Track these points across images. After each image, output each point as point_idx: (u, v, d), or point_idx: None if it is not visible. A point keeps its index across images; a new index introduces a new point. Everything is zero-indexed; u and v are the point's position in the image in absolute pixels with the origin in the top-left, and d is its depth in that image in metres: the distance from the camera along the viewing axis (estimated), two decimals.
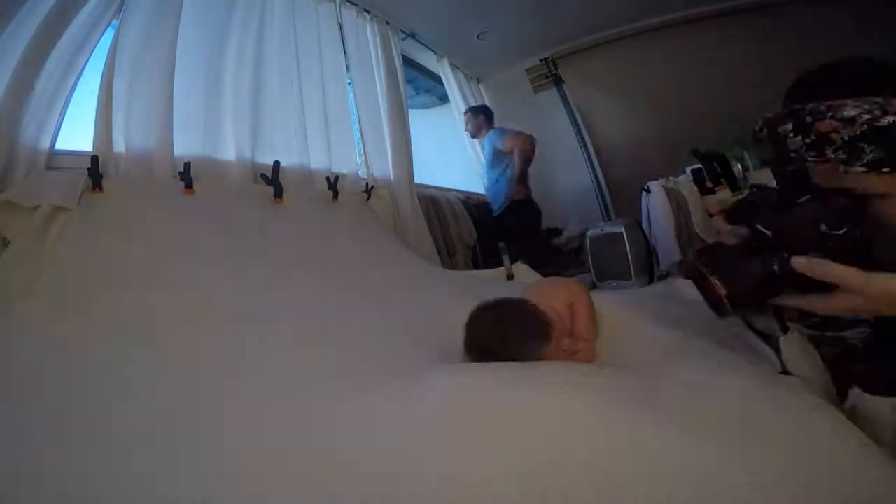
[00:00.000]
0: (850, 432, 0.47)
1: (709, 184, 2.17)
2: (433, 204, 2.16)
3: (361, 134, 1.91)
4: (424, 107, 3.13)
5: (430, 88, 3.01)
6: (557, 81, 2.98)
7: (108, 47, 1.11)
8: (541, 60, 2.96)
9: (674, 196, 2.19)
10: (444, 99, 2.97)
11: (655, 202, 2.22)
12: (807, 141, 0.48)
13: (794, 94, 0.51)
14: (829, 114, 0.46)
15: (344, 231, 1.45)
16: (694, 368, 0.57)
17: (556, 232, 2.61)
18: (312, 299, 1.00)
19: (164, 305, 0.84)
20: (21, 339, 0.70)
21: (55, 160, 1.03)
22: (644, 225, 2.24)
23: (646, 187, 2.30)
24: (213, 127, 1.34)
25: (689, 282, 1.19)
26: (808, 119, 0.47)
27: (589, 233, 1.74)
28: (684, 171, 2.30)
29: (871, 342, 1.27)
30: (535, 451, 0.39)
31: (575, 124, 3.00)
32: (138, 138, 1.14)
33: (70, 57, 1.03)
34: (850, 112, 0.45)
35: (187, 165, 1.16)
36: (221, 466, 0.41)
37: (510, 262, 1.63)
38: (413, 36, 2.37)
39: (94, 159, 1.01)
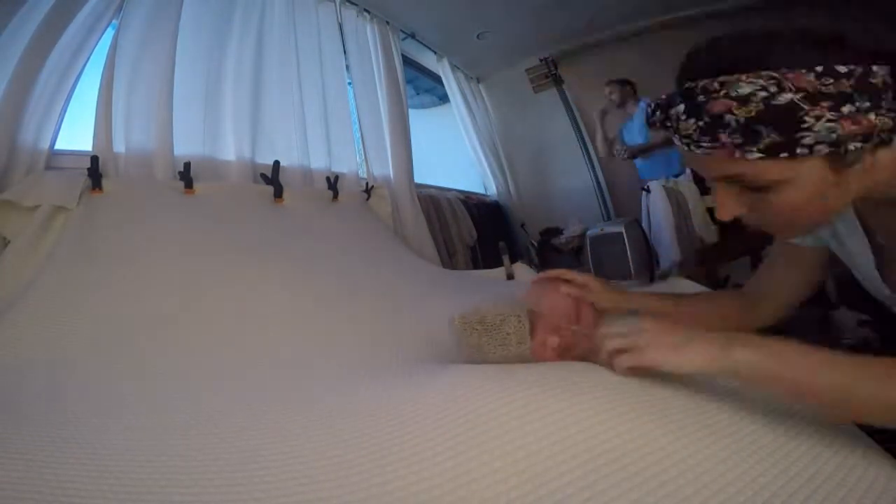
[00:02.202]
0: (850, 429, 0.48)
1: (709, 184, 2.18)
2: (433, 204, 2.16)
3: (361, 134, 1.91)
4: (424, 107, 3.13)
5: (430, 88, 3.01)
6: (557, 81, 2.98)
7: (108, 47, 1.11)
8: (541, 60, 2.97)
9: (674, 196, 2.19)
10: (444, 99, 2.97)
11: (655, 202, 2.22)
12: (700, 124, 0.42)
13: (687, 70, 0.45)
14: (723, 91, 0.40)
15: (344, 231, 1.45)
16: None
17: (556, 232, 2.61)
18: (312, 298, 1.00)
19: (164, 305, 0.84)
20: (20, 339, 0.70)
21: (55, 160, 1.03)
22: (644, 225, 2.24)
23: (646, 187, 2.30)
24: (213, 127, 1.34)
25: (689, 282, 1.20)
26: (701, 98, 0.42)
27: (589, 233, 1.75)
28: (684, 171, 2.30)
29: (871, 342, 1.28)
30: (532, 451, 0.39)
31: (575, 124, 3.00)
32: (138, 138, 1.14)
33: (70, 57, 1.03)
34: (744, 88, 0.40)
35: (187, 165, 1.16)
36: (221, 467, 0.41)
37: (510, 262, 1.63)
38: (413, 36, 2.37)
39: (94, 159, 1.01)
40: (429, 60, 2.70)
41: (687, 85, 0.43)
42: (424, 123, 2.90)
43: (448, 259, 2.08)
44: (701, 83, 0.42)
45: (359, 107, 1.91)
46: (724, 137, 0.42)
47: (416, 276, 1.38)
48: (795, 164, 0.41)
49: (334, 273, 1.16)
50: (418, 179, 2.07)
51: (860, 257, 0.57)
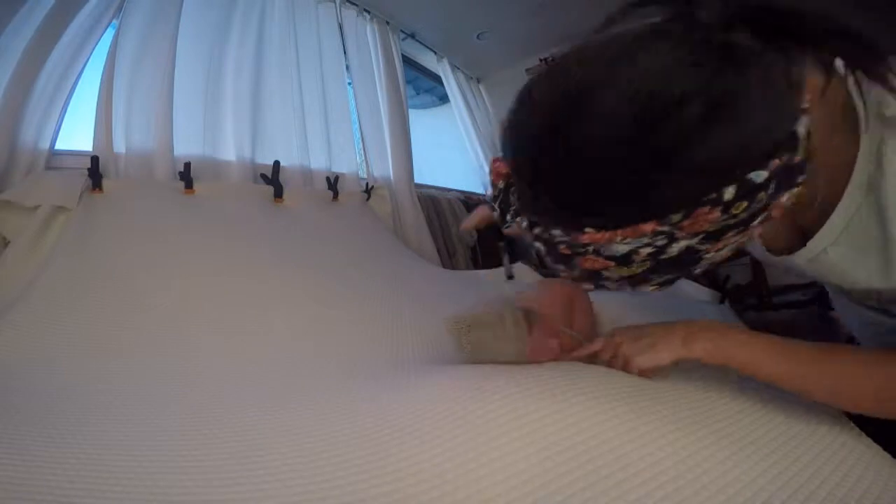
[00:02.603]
0: (849, 428, 0.48)
1: None
2: (433, 204, 2.16)
3: (361, 134, 1.91)
4: (424, 107, 3.13)
5: (430, 88, 3.01)
6: None
7: (108, 47, 1.11)
8: (541, 60, 2.96)
9: None
10: (444, 99, 2.97)
11: None
12: (571, 272, 0.36)
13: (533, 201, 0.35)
14: (593, 250, 0.32)
15: (344, 231, 1.45)
16: (694, 368, 0.57)
17: None
18: (312, 299, 1.00)
19: (164, 306, 0.84)
20: (20, 340, 0.70)
21: (55, 160, 1.03)
22: None
23: None
24: (213, 127, 1.34)
25: (689, 282, 1.20)
26: (564, 251, 0.34)
27: None
28: None
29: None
30: (531, 452, 0.39)
31: None
32: (138, 138, 1.14)
33: (70, 57, 1.03)
34: (620, 248, 0.31)
35: (187, 165, 1.16)
36: (221, 467, 0.41)
37: (510, 262, 1.63)
38: (413, 36, 2.36)
39: (94, 159, 1.01)
40: (429, 60, 2.69)
41: (541, 233, 0.34)
42: (424, 123, 2.90)
43: (448, 259, 2.07)
44: (557, 237, 0.33)
45: (359, 107, 1.91)
46: (608, 284, 0.36)
47: (416, 276, 1.38)
48: None
49: (334, 273, 1.16)
50: (418, 179, 2.07)
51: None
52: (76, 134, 1.12)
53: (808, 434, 0.46)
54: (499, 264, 1.65)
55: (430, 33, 2.45)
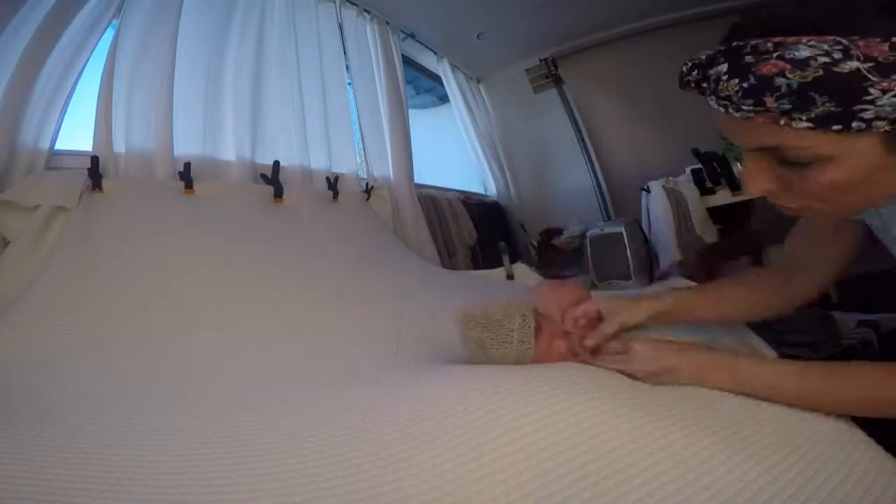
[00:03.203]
0: (850, 428, 0.48)
1: (709, 184, 2.18)
2: (433, 204, 2.16)
3: (361, 134, 1.91)
4: (424, 107, 3.13)
5: (430, 88, 3.01)
6: (557, 81, 2.98)
7: (108, 47, 1.11)
8: (541, 60, 2.96)
9: (674, 196, 2.19)
10: (444, 99, 2.97)
11: (655, 202, 2.22)
12: (744, 85, 0.37)
13: (736, 29, 0.39)
14: (776, 53, 0.36)
15: (344, 231, 1.45)
16: None
17: (556, 232, 2.61)
18: (312, 298, 1.00)
19: (164, 305, 0.84)
20: (20, 340, 0.70)
21: (55, 160, 1.03)
22: (644, 225, 2.24)
23: (646, 187, 2.31)
24: (213, 127, 1.33)
25: (689, 282, 1.20)
26: (749, 59, 0.37)
27: (589, 233, 1.74)
28: (684, 171, 2.30)
29: (871, 342, 1.28)
30: (532, 453, 0.39)
31: (575, 124, 2.99)
32: (138, 138, 1.14)
33: (70, 57, 1.03)
34: (803, 52, 0.35)
35: (187, 165, 1.16)
36: (221, 467, 0.41)
37: (510, 262, 1.63)
38: (413, 36, 2.36)
39: (94, 159, 1.01)
40: (429, 60, 2.69)
41: (734, 43, 0.38)
42: (424, 123, 2.90)
43: (448, 259, 2.08)
44: (752, 42, 0.37)
45: (359, 107, 1.91)
46: (770, 101, 0.36)
47: (416, 276, 1.38)
48: (847, 139, 0.37)
49: (334, 273, 1.16)
50: (418, 179, 2.07)
51: None
52: (76, 134, 1.11)
53: (808, 434, 0.46)
54: (499, 264, 1.65)
55: (430, 33, 2.45)
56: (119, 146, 1.11)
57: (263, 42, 1.51)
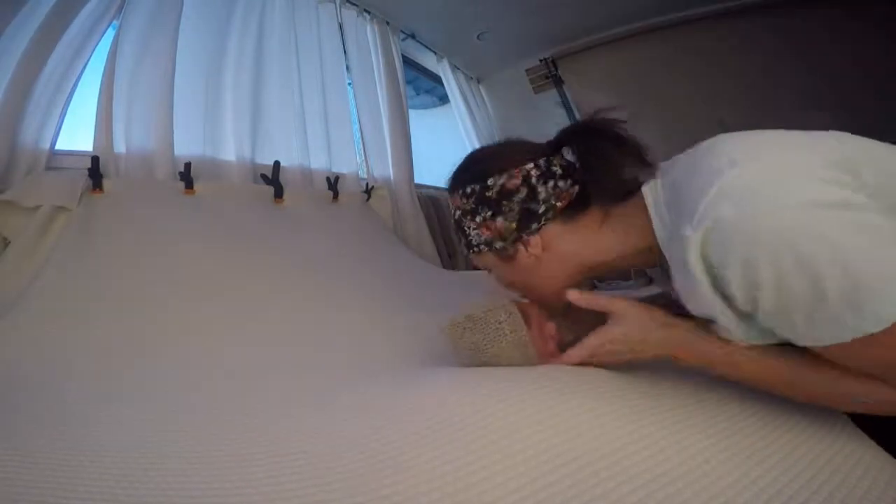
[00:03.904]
0: (850, 429, 0.48)
1: None
2: (433, 204, 2.16)
3: (361, 134, 1.91)
4: (424, 107, 3.13)
5: (430, 89, 3.01)
6: (557, 81, 2.98)
7: (108, 47, 1.11)
8: (541, 60, 2.96)
9: None
10: (444, 99, 2.97)
11: None
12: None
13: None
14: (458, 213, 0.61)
15: (344, 231, 1.45)
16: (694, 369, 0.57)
17: None
18: (312, 299, 1.00)
19: (164, 306, 0.84)
20: (20, 340, 0.70)
21: (55, 160, 1.03)
22: None
23: None
24: (214, 127, 1.34)
25: None
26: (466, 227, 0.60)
27: None
28: None
29: None
30: (531, 455, 0.39)
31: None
32: (138, 138, 1.14)
33: (70, 57, 1.03)
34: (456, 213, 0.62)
35: (187, 166, 1.16)
36: (220, 469, 0.41)
37: None
38: (413, 36, 2.36)
39: (95, 159, 1.01)
40: (429, 61, 2.69)
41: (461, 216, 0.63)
42: (424, 123, 2.90)
43: (448, 259, 2.08)
44: (456, 214, 0.62)
45: (359, 107, 1.91)
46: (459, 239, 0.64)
47: (415, 276, 1.38)
48: (482, 258, 0.61)
49: (334, 273, 1.16)
50: (418, 179, 2.07)
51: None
52: (76, 134, 1.12)
53: (808, 435, 0.46)
54: None
55: (430, 33, 2.45)
56: (119, 146, 1.12)
57: (263, 42, 1.51)
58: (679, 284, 0.47)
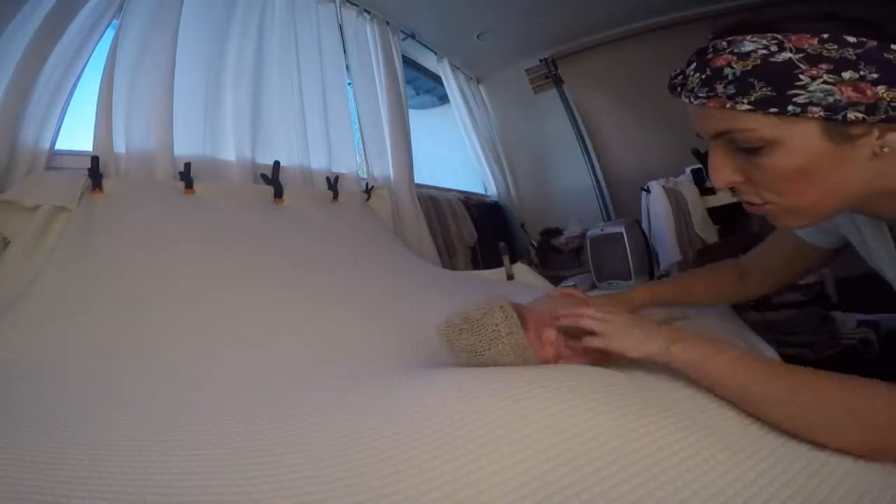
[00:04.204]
0: None
1: (708, 184, 2.18)
2: (433, 204, 2.16)
3: (361, 134, 1.91)
4: (424, 107, 3.13)
5: (430, 89, 3.01)
6: (557, 81, 2.98)
7: (108, 47, 1.11)
8: (541, 60, 2.96)
9: (674, 196, 2.19)
10: (444, 99, 2.97)
11: (655, 202, 2.22)
12: (702, 76, 0.44)
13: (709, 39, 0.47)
14: (728, 49, 0.42)
15: (344, 231, 1.45)
16: None
17: (556, 232, 2.61)
18: (312, 299, 1.00)
19: (164, 306, 0.84)
20: (20, 340, 0.70)
21: (55, 160, 1.03)
22: (644, 225, 2.24)
23: (646, 187, 2.31)
24: (214, 127, 1.34)
25: None
26: (709, 55, 0.44)
27: (589, 233, 1.74)
28: (684, 171, 2.30)
29: (871, 342, 1.28)
30: (531, 454, 0.39)
31: (575, 124, 2.99)
32: (138, 138, 1.14)
33: (70, 57, 1.03)
34: (747, 46, 0.41)
35: (187, 166, 1.16)
36: (220, 469, 0.41)
37: (510, 263, 1.63)
38: (413, 36, 2.36)
39: (95, 159, 1.01)
40: (429, 60, 2.69)
41: (702, 47, 0.46)
42: (424, 123, 2.90)
43: (448, 259, 2.08)
44: (713, 43, 0.44)
45: (359, 107, 1.91)
46: (719, 88, 0.43)
47: (415, 276, 1.38)
48: (786, 123, 0.41)
49: (334, 273, 1.16)
50: (418, 179, 2.07)
51: (885, 264, 0.54)
52: (76, 134, 1.11)
53: None
54: (499, 264, 1.65)
55: (430, 33, 2.45)
56: (119, 146, 1.12)
57: (263, 42, 1.51)
58: None
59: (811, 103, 0.39)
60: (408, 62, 2.48)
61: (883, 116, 0.39)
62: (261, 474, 0.39)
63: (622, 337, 0.56)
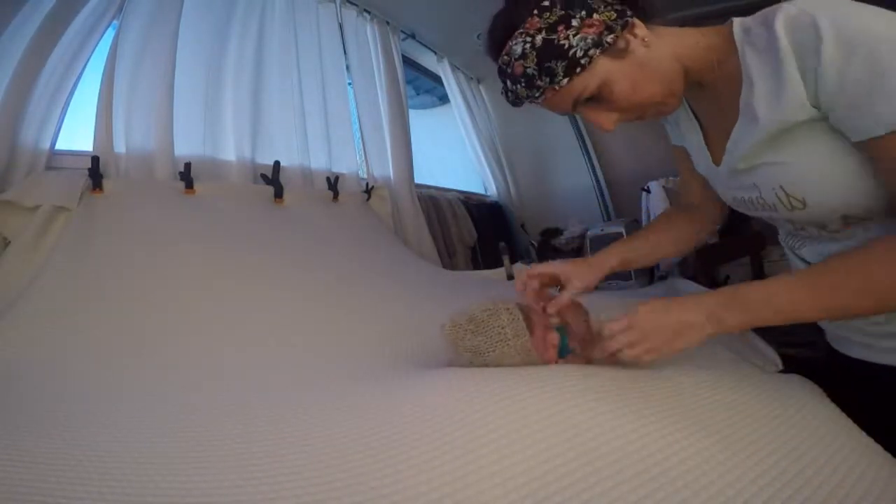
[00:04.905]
0: (849, 429, 0.48)
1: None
2: (433, 204, 2.16)
3: (361, 134, 1.91)
4: (424, 107, 3.13)
5: (430, 89, 3.01)
6: None
7: (108, 47, 1.11)
8: None
9: (674, 196, 2.19)
10: (444, 99, 2.97)
11: (655, 202, 2.22)
12: (522, 85, 0.55)
13: (490, 54, 0.60)
14: (510, 58, 0.54)
15: (344, 231, 1.45)
16: (695, 367, 0.57)
17: (556, 232, 2.61)
18: (312, 299, 1.00)
19: (164, 306, 0.84)
20: (20, 340, 0.70)
21: (55, 160, 1.03)
22: (644, 225, 2.24)
23: (646, 187, 2.30)
24: (214, 127, 1.34)
25: (689, 282, 1.20)
26: (509, 70, 0.55)
27: (589, 233, 1.75)
28: None
29: None
30: (531, 454, 0.39)
31: (575, 124, 2.99)
32: (138, 138, 1.14)
33: (70, 57, 1.03)
34: (516, 49, 0.53)
35: (187, 166, 1.16)
36: (220, 469, 0.41)
37: (510, 263, 1.63)
38: (413, 36, 2.37)
39: (95, 159, 1.01)
40: (429, 60, 2.69)
41: (498, 68, 0.58)
42: (424, 123, 2.90)
43: (448, 259, 2.08)
44: (500, 62, 0.57)
45: (359, 107, 1.91)
46: (539, 83, 0.54)
47: (415, 276, 1.38)
48: (593, 70, 0.53)
49: (334, 273, 1.16)
50: (418, 179, 2.07)
51: (690, 136, 0.67)
52: (76, 134, 1.12)
53: (808, 434, 0.46)
54: (499, 264, 1.65)
55: (430, 33, 2.45)
56: (119, 146, 1.12)
57: (264, 42, 1.52)
58: (753, 94, 0.50)
59: (588, 50, 0.51)
60: (408, 62, 2.48)
61: (620, 24, 0.52)
62: (261, 475, 0.39)
63: (655, 349, 0.52)
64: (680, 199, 0.84)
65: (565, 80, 0.52)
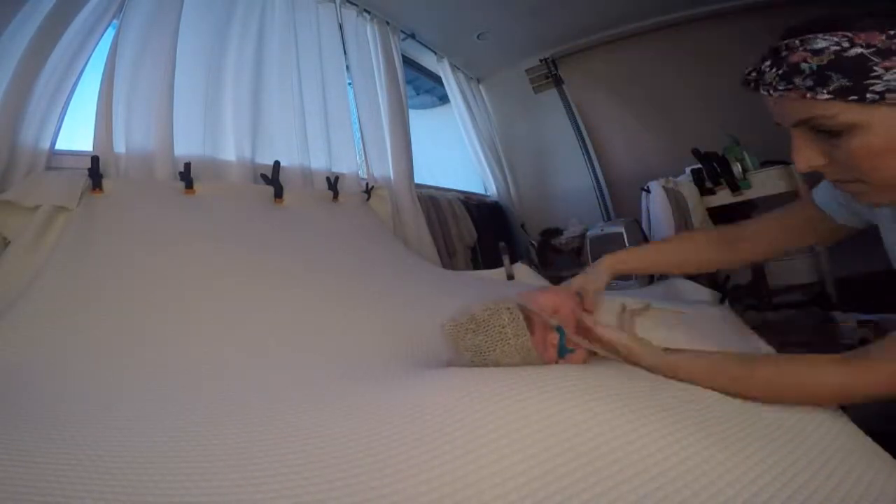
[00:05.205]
0: (849, 428, 0.48)
1: (709, 184, 2.18)
2: (433, 204, 2.16)
3: (361, 134, 1.91)
4: (424, 107, 3.13)
5: (430, 89, 3.01)
6: (557, 81, 2.98)
7: (108, 47, 1.11)
8: (541, 60, 2.96)
9: (674, 196, 2.19)
10: (444, 99, 2.97)
11: (655, 202, 2.22)
12: (779, 72, 0.49)
13: (780, 38, 0.52)
14: (801, 47, 0.48)
15: (344, 231, 1.45)
16: None
17: (556, 232, 2.61)
18: (312, 299, 1.00)
19: (164, 306, 0.84)
20: (20, 340, 0.70)
21: (55, 160, 1.03)
22: (644, 225, 2.24)
23: (646, 187, 2.30)
24: (214, 127, 1.34)
25: (689, 282, 1.20)
26: (784, 53, 0.49)
27: (589, 233, 1.75)
28: (684, 171, 2.30)
29: (870, 341, 1.27)
30: (531, 455, 0.39)
31: (575, 124, 2.99)
32: (138, 138, 1.14)
33: (70, 57, 1.03)
34: (819, 44, 0.47)
35: (187, 166, 1.16)
36: (220, 469, 0.41)
37: (510, 263, 1.63)
38: (413, 36, 2.37)
39: (95, 159, 1.01)
40: (429, 60, 2.70)
41: (775, 45, 0.51)
42: (424, 123, 2.90)
43: (448, 259, 2.08)
44: (785, 42, 0.49)
45: (359, 107, 1.91)
46: (797, 81, 0.47)
47: (415, 276, 1.38)
48: (867, 109, 0.45)
49: (334, 273, 1.16)
50: (418, 179, 2.07)
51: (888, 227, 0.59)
52: (76, 134, 1.12)
53: (808, 434, 0.46)
54: (499, 264, 1.65)
55: (430, 33, 2.45)
56: (119, 146, 1.12)
57: (264, 42, 1.51)
58: None
59: (888, 90, 0.44)
60: (408, 62, 2.48)
61: None
62: (261, 475, 0.39)
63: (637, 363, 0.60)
64: (736, 227, 0.80)
65: (825, 96, 0.46)
